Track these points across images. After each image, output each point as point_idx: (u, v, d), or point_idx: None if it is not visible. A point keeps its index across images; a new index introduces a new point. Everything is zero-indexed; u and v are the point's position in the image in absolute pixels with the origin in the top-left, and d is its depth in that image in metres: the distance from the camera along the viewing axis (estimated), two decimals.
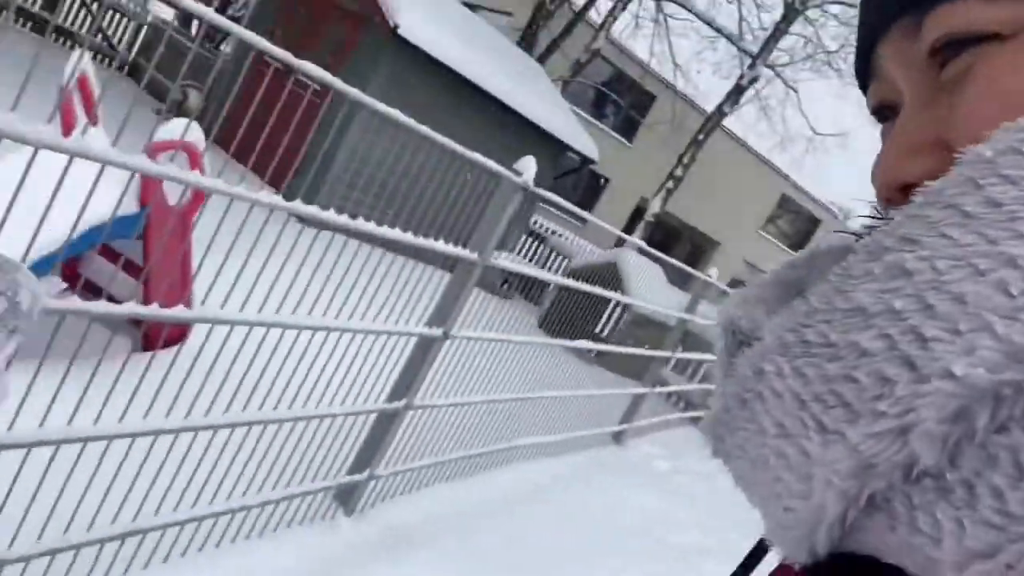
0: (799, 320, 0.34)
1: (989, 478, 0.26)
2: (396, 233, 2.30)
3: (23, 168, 1.52)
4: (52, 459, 1.72)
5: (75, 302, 1.62)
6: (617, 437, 5.84)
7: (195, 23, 13.13)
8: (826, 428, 0.30)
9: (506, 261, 3.03)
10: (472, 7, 12.69)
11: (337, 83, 1.83)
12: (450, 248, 2.61)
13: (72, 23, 11.16)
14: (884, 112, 0.41)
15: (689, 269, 5.61)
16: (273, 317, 2.00)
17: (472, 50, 8.11)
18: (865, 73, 0.42)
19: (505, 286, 9.28)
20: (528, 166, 2.75)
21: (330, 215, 2.00)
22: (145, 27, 11.82)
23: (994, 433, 0.26)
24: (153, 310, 1.71)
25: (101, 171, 1.51)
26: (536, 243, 11.13)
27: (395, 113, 2.05)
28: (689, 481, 5.81)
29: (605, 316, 8.42)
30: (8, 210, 1.39)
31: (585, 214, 3.52)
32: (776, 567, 0.43)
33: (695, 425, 7.74)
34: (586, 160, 10.02)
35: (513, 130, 8.67)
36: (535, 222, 11.30)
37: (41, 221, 1.48)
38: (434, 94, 7.74)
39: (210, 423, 2.00)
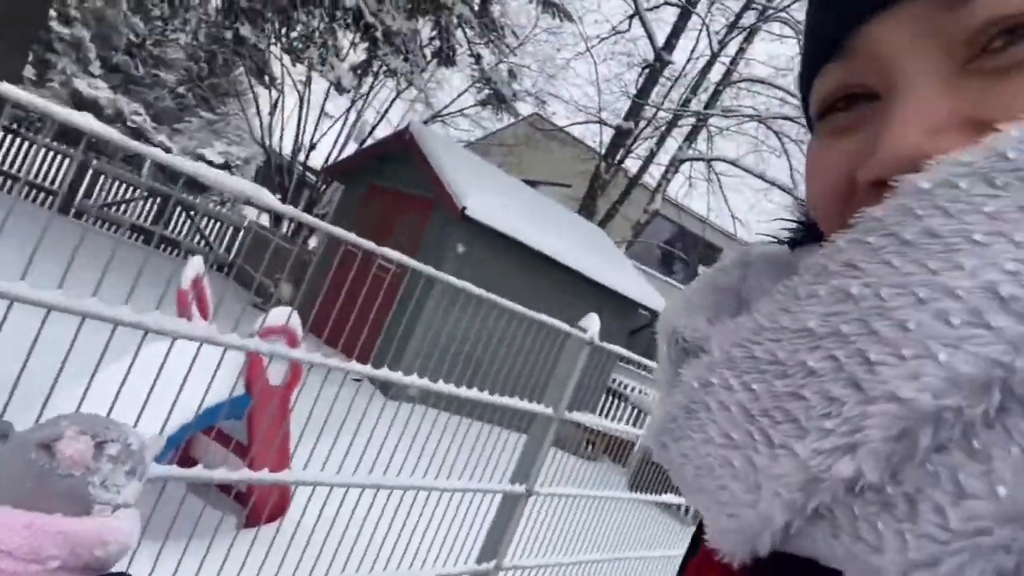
0: (746, 336, 0.36)
1: (931, 495, 0.27)
2: (473, 392, 2.45)
3: (155, 358, 1.78)
4: None
5: (187, 474, 1.80)
6: None
7: (286, 222, 14.50)
8: (774, 442, 0.32)
9: (583, 416, 3.12)
10: (532, 184, 13.61)
11: (416, 264, 2.08)
12: (525, 404, 2.74)
13: (176, 232, 12.50)
14: (850, 99, 0.38)
15: None
16: (365, 478, 2.13)
17: (536, 222, 8.65)
18: (819, 58, 0.39)
19: (590, 447, 9.16)
20: (592, 323, 2.91)
21: (413, 379, 2.19)
22: (241, 231, 13.12)
23: (935, 452, 0.27)
24: (255, 473, 1.88)
25: (222, 356, 1.75)
26: (617, 401, 11.07)
27: (465, 284, 2.28)
28: None
29: None
30: (147, 399, 1.62)
31: (653, 363, 3.60)
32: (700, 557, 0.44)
33: None
34: (656, 314, 10.17)
35: (582, 293, 8.99)
36: (614, 380, 11.31)
37: (173, 405, 1.71)
38: (504, 266, 8.21)
39: None
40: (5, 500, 0.98)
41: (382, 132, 15.92)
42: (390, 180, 9.41)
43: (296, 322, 3.04)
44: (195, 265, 3.23)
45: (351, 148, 15.14)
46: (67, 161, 11.19)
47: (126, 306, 1.45)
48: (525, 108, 17.54)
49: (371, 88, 15.03)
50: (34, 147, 11.24)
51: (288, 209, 1.78)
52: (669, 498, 4.20)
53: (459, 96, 17.19)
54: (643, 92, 15.14)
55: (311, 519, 2.34)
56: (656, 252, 21.81)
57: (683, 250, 21.95)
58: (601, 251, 9.94)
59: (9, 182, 10.85)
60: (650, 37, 15.00)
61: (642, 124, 15.64)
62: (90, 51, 17.75)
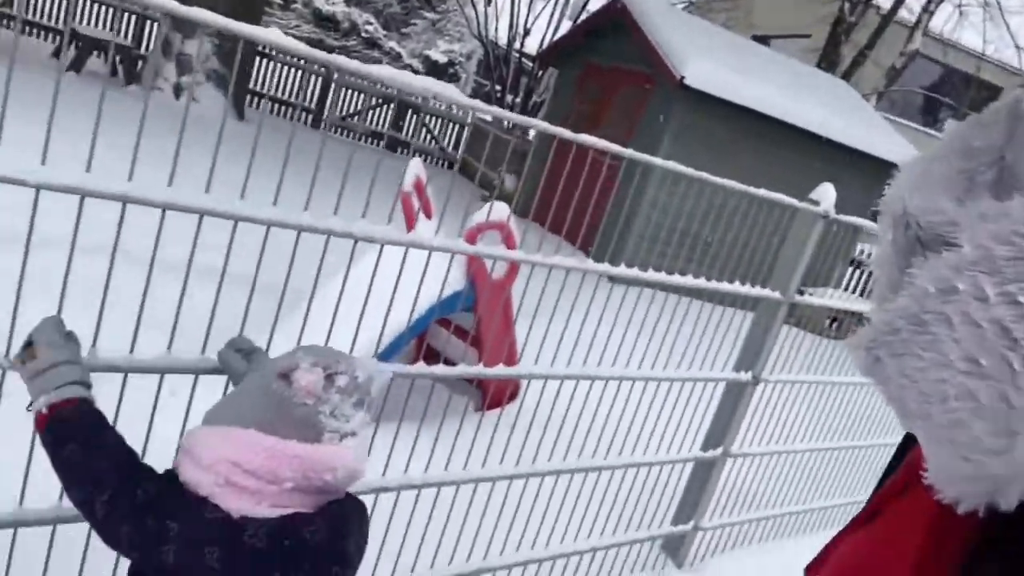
0: (1017, 227, 0.27)
1: None
2: (696, 281, 2.33)
3: (373, 264, 1.91)
4: (406, 502, 2.04)
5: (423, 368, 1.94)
6: None
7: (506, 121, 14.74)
8: None
9: (816, 298, 2.84)
10: (763, 40, 12.30)
11: (627, 152, 1.96)
12: (748, 289, 2.56)
13: (409, 134, 13.28)
14: None
15: None
16: (591, 370, 2.16)
17: (767, 84, 7.85)
18: None
19: (835, 325, 8.54)
20: (826, 194, 2.59)
21: (632, 271, 2.12)
22: (467, 128, 13.62)
23: None
24: (490, 369, 1.98)
25: (428, 258, 1.82)
26: (864, 274, 10.09)
27: (678, 166, 2.11)
28: None
29: None
30: (364, 304, 1.74)
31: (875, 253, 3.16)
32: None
33: None
34: None
35: (825, 157, 8.11)
36: (861, 251, 10.28)
37: (388, 309, 1.82)
38: (732, 136, 7.63)
39: (538, 470, 2.21)
40: (250, 423, 1.08)
41: (595, 6, 15.26)
42: (604, 57, 9.04)
43: (511, 220, 3.09)
44: (414, 167, 3.39)
45: (566, 28, 14.74)
46: (312, 78, 12.25)
47: (362, 221, 1.53)
48: None
49: None
50: (283, 68, 12.45)
51: (475, 103, 1.75)
52: None
53: None
54: None
55: (544, 404, 2.44)
56: (918, 100, 18.91)
57: (952, 96, 18.78)
58: (845, 107, 8.80)
59: (260, 100, 12.19)
60: None
61: None
62: None
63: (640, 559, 2.82)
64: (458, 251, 1.80)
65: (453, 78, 21.80)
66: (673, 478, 2.90)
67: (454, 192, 1.80)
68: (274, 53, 12.12)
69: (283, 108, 12.51)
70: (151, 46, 10.94)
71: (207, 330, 1.52)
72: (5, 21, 10.07)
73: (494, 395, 3.54)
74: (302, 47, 1.50)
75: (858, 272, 10.09)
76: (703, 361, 2.74)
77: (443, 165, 12.75)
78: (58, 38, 10.72)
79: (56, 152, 1.29)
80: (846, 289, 9.74)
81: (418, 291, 1.83)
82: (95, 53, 9.17)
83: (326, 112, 12.44)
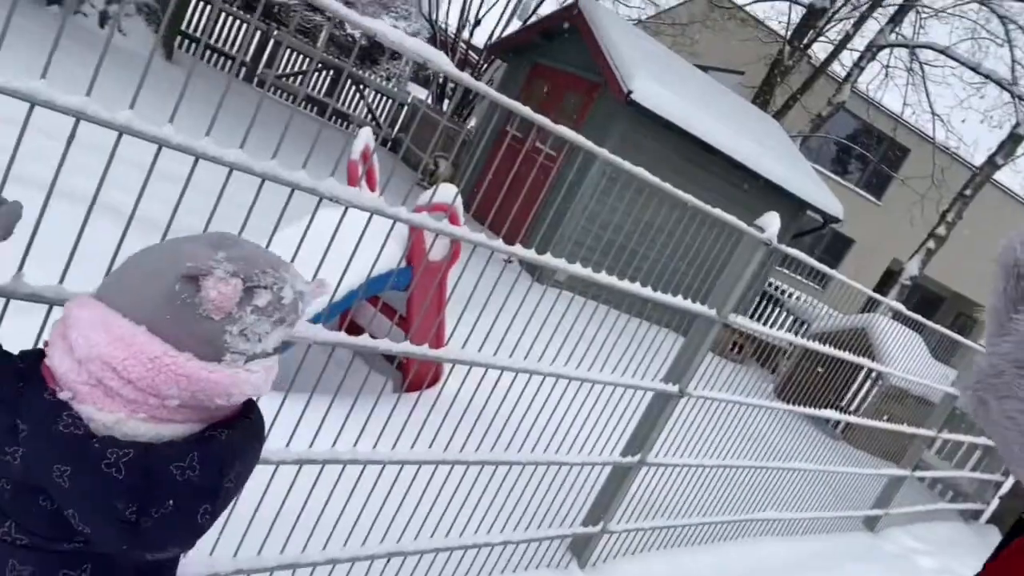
0: None
1: None
2: (631, 286, 2.33)
3: (326, 225, 1.81)
4: (316, 479, 1.96)
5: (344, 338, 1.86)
6: (869, 523, 5.25)
7: (446, 101, 14.61)
8: None
9: (746, 321, 2.93)
10: (703, 69, 12.68)
11: (574, 136, 1.90)
12: (687, 304, 2.60)
13: (347, 106, 12.95)
14: None
15: (959, 338, 4.99)
16: (517, 363, 2.12)
17: (705, 110, 8.08)
18: None
19: (737, 350, 8.89)
20: (771, 221, 2.67)
21: (568, 264, 2.10)
22: (405, 106, 13.38)
23: None
24: (417, 348, 1.90)
25: (391, 228, 1.74)
26: (771, 306, 10.56)
27: (626, 164, 2.08)
28: None
29: (853, 388, 7.69)
30: (319, 265, 1.64)
31: (835, 273, 3.31)
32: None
33: (965, 520, 6.72)
34: (829, 219, 9.40)
35: (748, 189, 8.43)
36: (770, 284, 10.76)
37: (344, 272, 1.73)
38: (667, 155, 7.80)
39: (456, 458, 2.16)
40: (142, 318, 0.88)
41: (548, 9, 15.31)
42: (554, 59, 9.08)
43: (458, 202, 3.03)
44: (364, 136, 3.27)
45: (515, 27, 14.71)
46: (249, 29, 11.75)
47: (303, 171, 1.44)
48: None
49: None
50: (221, 14, 11.85)
51: (462, 76, 1.67)
52: (828, 412, 3.96)
53: None
54: None
55: (464, 393, 2.39)
56: (832, 150, 20.00)
57: (867, 150, 19.94)
58: (774, 145, 9.19)
59: (194, 46, 11.60)
60: None
61: (839, 2, 13.92)
62: None
63: (547, 556, 2.82)
64: (423, 224, 1.73)
65: (395, 56, 21.38)
66: (589, 480, 2.91)
67: (384, 170, 1.72)
68: None
69: (216, 56, 11.91)
70: None
71: None
72: None
73: (414, 378, 3.46)
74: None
75: (767, 303, 10.54)
76: (627, 370, 2.76)
77: (381, 143, 12.50)
78: None
79: None
80: (754, 318, 10.15)
81: (378, 254, 1.75)
82: None
83: (260, 68, 11.93)
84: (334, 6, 1.31)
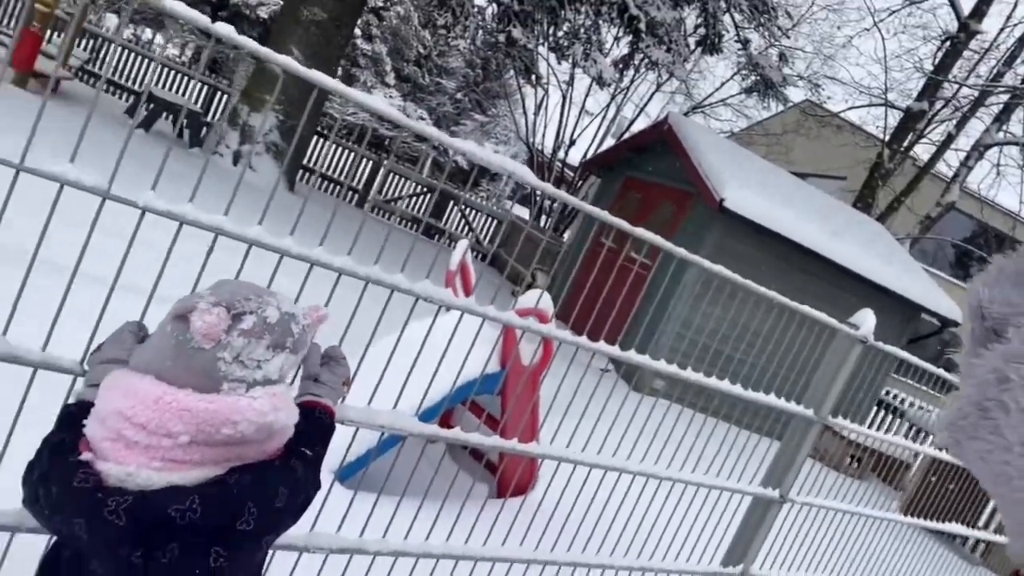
0: None
1: None
2: (726, 384, 2.33)
3: (418, 334, 1.95)
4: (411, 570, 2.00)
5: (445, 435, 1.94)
6: None
7: (543, 218, 15.15)
8: None
9: (848, 424, 2.82)
10: (802, 177, 12.65)
11: (671, 246, 2.02)
12: (783, 403, 2.55)
13: (451, 225, 13.64)
14: None
15: None
16: (610, 460, 2.14)
17: (803, 216, 8.01)
18: None
19: (855, 463, 8.31)
20: (866, 318, 2.61)
21: (663, 364, 2.13)
22: (504, 224, 13.93)
23: None
24: (509, 442, 1.97)
25: (479, 329, 1.86)
26: (890, 416, 9.89)
27: (724, 271, 2.16)
28: None
29: (992, 503, 6.98)
30: (410, 372, 1.77)
31: (953, 378, 3.15)
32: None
33: None
34: (946, 322, 8.88)
35: (855, 294, 8.15)
36: (887, 392, 10.12)
37: (433, 377, 1.85)
38: (764, 263, 7.73)
39: (548, 559, 2.15)
40: (151, 369, 0.97)
41: (640, 126, 15.89)
42: (646, 172, 9.35)
43: (548, 304, 3.14)
44: (462, 248, 3.49)
45: (609, 144, 15.31)
46: (362, 160, 12.77)
47: (401, 275, 1.59)
48: (796, 94, 16.35)
49: (631, 82, 15.05)
50: (336, 147, 13.00)
51: (560, 193, 1.82)
52: (951, 527, 3.64)
53: (722, 85, 16.52)
54: (941, 68, 13.26)
55: (555, 496, 2.41)
56: (950, 252, 19.05)
57: (986, 252, 18.88)
58: (879, 248, 8.92)
59: (312, 176, 12.70)
60: (953, 4, 13.09)
61: (939, 104, 13.72)
62: (386, 64, 20.04)
63: None
64: (513, 323, 1.84)
65: (494, 177, 22.54)
66: None
67: (485, 283, 1.85)
68: (328, 133, 12.69)
69: (330, 186, 12.99)
70: (218, 114, 11.56)
71: None
72: (89, 78, 10.87)
73: (506, 482, 3.48)
74: (419, 125, 1.53)
75: (885, 412, 9.89)
76: (720, 472, 2.70)
77: (478, 257, 13.01)
78: (132, 97, 11.40)
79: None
80: (870, 427, 9.51)
81: (466, 356, 1.86)
82: (164, 115, 9.70)
83: (372, 193, 12.86)
84: (444, 137, 1.51)
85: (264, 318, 1.01)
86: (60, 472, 0.96)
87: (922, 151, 14.64)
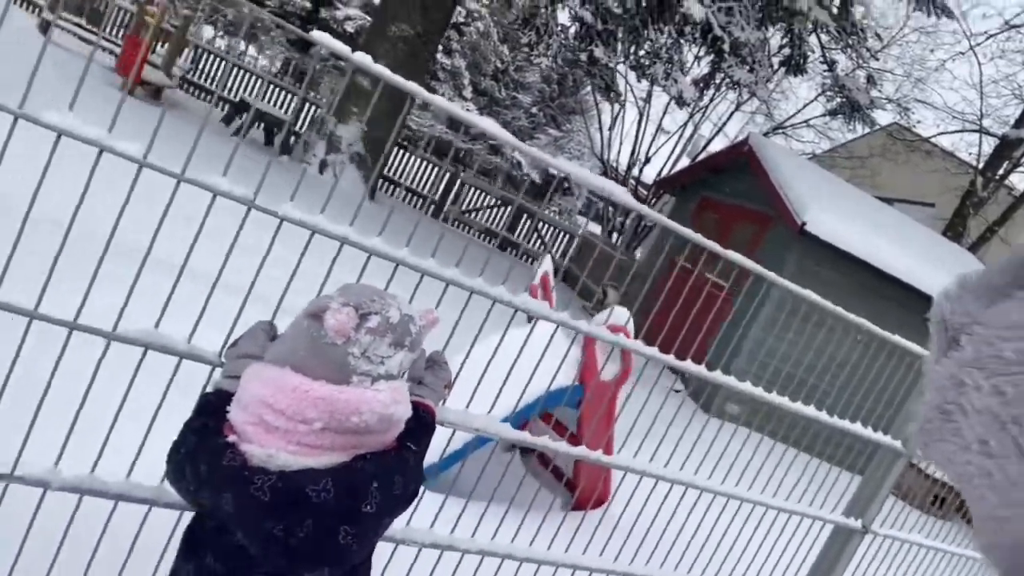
0: (999, 332, 0.32)
1: None
2: (811, 410, 2.32)
3: (511, 344, 2.03)
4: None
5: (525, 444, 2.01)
6: None
7: (615, 235, 15.12)
8: None
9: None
10: (888, 202, 12.26)
11: (759, 268, 2.04)
12: (869, 432, 2.51)
13: (525, 239, 13.76)
14: None
15: None
16: (689, 477, 2.16)
17: (888, 242, 7.78)
18: None
19: (939, 504, 7.96)
20: None
21: (757, 390, 2.15)
22: (576, 240, 14.00)
23: None
24: (591, 452, 2.02)
25: (571, 345, 1.93)
26: None
27: (811, 295, 2.17)
28: None
29: None
30: (505, 380, 1.85)
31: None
32: None
33: None
34: None
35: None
36: None
37: (527, 386, 1.92)
38: (846, 288, 7.53)
39: (626, 571, 2.18)
40: (287, 362, 1.09)
41: (717, 146, 15.71)
42: (724, 193, 9.24)
43: (631, 324, 3.18)
44: (546, 264, 3.57)
45: (684, 163, 15.19)
46: (438, 171, 13.06)
47: (503, 287, 1.68)
48: (883, 117, 15.85)
49: (711, 101, 14.91)
50: (414, 159, 13.35)
51: (641, 207, 1.88)
52: None
53: (806, 106, 16.18)
54: None
55: (634, 512, 2.44)
56: None
57: None
58: None
59: (394, 188, 13.04)
60: None
61: None
62: (464, 78, 20.43)
63: None
64: (598, 335, 1.90)
65: (567, 192, 22.63)
66: None
67: (557, 299, 1.91)
68: (408, 145, 13.04)
69: (409, 195, 13.33)
70: (306, 124, 12.05)
71: None
72: (195, 91, 11.63)
73: (583, 495, 3.52)
74: (525, 148, 1.62)
75: None
76: (811, 501, 2.67)
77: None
78: (227, 106, 12.04)
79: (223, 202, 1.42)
80: None
81: (557, 370, 1.94)
82: (257, 124, 10.18)
83: (448, 204, 13.14)
84: (525, 148, 1.59)
85: (387, 318, 1.10)
86: (208, 452, 1.08)
87: (1018, 180, 13.96)
